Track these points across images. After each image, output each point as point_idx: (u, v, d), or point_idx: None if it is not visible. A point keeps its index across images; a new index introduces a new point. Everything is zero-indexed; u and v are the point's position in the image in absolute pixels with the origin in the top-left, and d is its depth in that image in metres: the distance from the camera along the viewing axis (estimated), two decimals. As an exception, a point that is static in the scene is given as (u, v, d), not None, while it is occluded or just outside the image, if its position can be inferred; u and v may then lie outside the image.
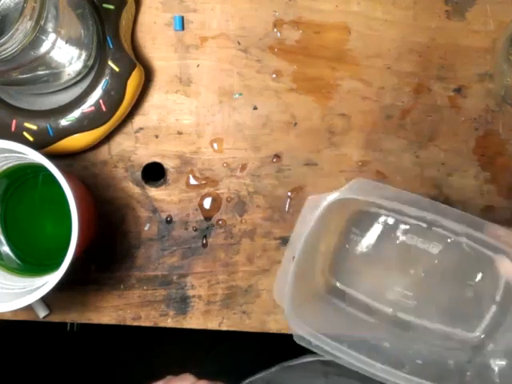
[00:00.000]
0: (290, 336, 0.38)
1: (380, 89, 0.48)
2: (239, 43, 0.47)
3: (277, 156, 0.48)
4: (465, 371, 0.40)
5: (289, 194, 0.48)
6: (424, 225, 0.42)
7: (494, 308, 0.42)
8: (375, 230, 0.43)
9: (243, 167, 0.48)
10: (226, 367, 0.63)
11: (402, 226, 0.42)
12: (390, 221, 0.43)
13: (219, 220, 0.48)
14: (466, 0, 0.47)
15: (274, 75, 0.47)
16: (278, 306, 0.48)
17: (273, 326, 0.48)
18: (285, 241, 0.47)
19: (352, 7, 0.47)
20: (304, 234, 0.38)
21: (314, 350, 0.39)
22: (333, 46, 0.47)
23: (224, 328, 0.48)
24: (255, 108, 0.47)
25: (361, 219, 0.44)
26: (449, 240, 0.42)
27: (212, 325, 0.48)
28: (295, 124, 0.48)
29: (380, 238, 0.43)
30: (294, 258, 0.38)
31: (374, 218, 0.43)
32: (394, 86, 0.48)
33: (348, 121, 0.48)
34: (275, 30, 0.47)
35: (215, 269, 0.48)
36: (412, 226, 0.42)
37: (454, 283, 0.43)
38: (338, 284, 0.44)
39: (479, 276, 0.43)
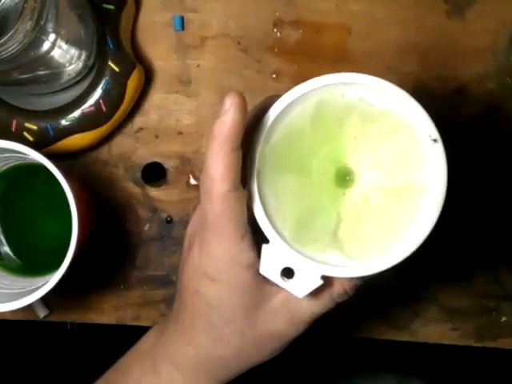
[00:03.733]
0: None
1: (380, 89, 0.48)
2: (239, 43, 0.47)
3: (277, 156, 0.48)
4: None
5: (289, 193, 0.48)
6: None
7: None
8: None
9: (243, 167, 0.48)
10: None
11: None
12: None
13: (219, 220, 0.48)
14: (466, 0, 0.47)
15: (274, 75, 0.47)
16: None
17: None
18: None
19: (352, 7, 0.47)
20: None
21: None
22: (333, 46, 0.47)
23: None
24: (255, 108, 0.47)
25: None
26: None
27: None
28: (295, 124, 0.48)
29: None
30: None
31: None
32: (394, 85, 0.48)
33: (348, 121, 0.48)
34: (275, 29, 0.47)
35: (215, 269, 0.48)
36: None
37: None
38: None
39: None
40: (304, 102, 0.33)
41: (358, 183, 0.35)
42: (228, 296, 0.33)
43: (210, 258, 0.33)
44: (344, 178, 0.35)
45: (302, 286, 0.33)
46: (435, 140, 0.32)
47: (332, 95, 0.34)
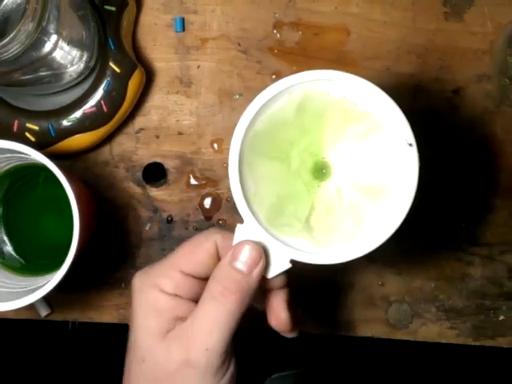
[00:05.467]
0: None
1: (379, 90, 0.48)
2: (239, 44, 0.48)
3: (276, 156, 0.48)
4: None
5: (288, 193, 0.48)
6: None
7: None
8: None
9: (243, 167, 0.48)
10: None
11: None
12: None
13: (219, 220, 0.48)
14: (464, 2, 0.48)
15: (274, 76, 0.48)
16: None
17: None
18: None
19: (351, 9, 0.47)
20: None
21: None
22: (332, 48, 0.48)
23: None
24: (255, 109, 0.48)
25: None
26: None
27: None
28: (295, 124, 0.48)
29: None
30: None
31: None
32: (393, 87, 0.48)
33: (347, 121, 0.48)
34: (275, 31, 0.48)
35: (215, 268, 0.48)
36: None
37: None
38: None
39: None
40: (291, 93, 0.35)
41: (333, 177, 0.37)
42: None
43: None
44: (320, 170, 0.37)
45: (271, 267, 0.35)
46: (411, 144, 0.34)
47: (318, 90, 0.35)
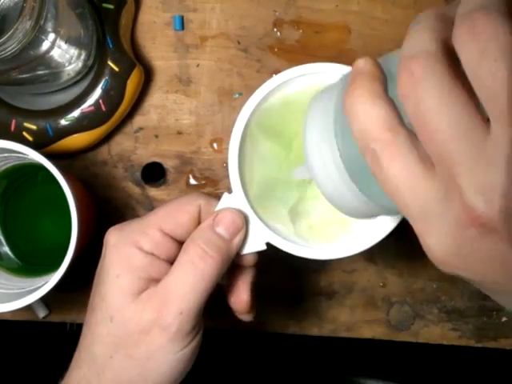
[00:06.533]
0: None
1: (380, 88, 0.48)
2: (239, 43, 0.47)
3: (277, 156, 0.48)
4: None
5: (289, 193, 0.48)
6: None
7: None
8: None
9: (243, 167, 0.48)
10: None
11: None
12: None
13: (219, 220, 0.48)
14: None
15: (274, 75, 0.47)
16: (277, 306, 0.48)
17: (272, 327, 0.48)
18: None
19: (352, 7, 0.47)
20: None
21: None
22: (333, 46, 0.47)
23: (222, 327, 0.48)
24: (255, 108, 0.47)
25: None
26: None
27: (210, 324, 0.48)
28: (295, 124, 0.48)
29: None
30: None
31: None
32: (395, 85, 0.48)
33: (348, 121, 0.48)
34: (275, 29, 0.47)
35: (215, 269, 0.48)
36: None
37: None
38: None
39: None
40: (313, 80, 0.34)
41: None
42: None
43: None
44: None
45: (246, 244, 0.35)
46: None
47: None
